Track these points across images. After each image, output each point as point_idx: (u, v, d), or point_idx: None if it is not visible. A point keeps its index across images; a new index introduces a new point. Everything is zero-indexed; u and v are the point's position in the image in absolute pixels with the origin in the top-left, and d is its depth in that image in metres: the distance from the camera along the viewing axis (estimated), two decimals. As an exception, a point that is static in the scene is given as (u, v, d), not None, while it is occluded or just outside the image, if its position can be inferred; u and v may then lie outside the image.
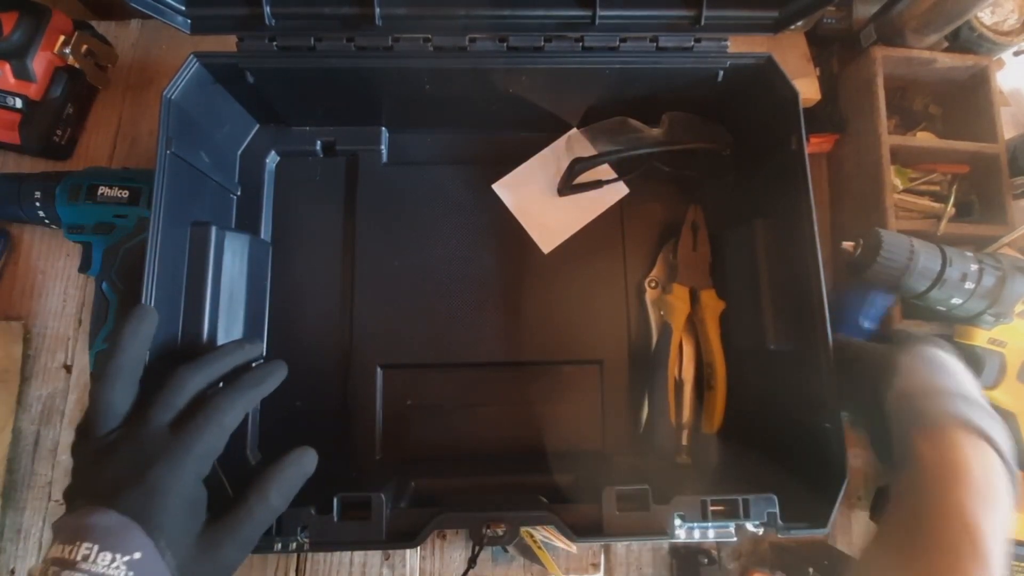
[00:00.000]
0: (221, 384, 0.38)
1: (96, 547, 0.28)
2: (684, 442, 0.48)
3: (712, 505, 0.37)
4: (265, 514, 0.34)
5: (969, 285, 0.42)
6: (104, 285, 0.48)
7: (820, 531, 0.37)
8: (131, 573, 0.28)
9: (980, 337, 0.45)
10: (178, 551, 0.30)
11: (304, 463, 0.37)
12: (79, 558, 0.27)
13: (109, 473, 0.31)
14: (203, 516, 0.33)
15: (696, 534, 0.38)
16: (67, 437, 0.51)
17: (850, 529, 0.52)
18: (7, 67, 0.50)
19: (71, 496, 0.33)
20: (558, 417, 0.49)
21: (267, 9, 0.43)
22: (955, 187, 0.54)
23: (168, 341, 0.42)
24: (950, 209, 0.52)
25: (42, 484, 0.50)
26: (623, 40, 0.44)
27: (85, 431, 0.33)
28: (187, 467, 0.32)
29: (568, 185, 0.51)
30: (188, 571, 0.30)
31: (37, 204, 0.49)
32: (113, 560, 0.28)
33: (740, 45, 0.46)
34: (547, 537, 0.46)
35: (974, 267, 0.42)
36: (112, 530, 0.29)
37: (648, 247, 0.52)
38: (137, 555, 0.28)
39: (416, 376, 0.49)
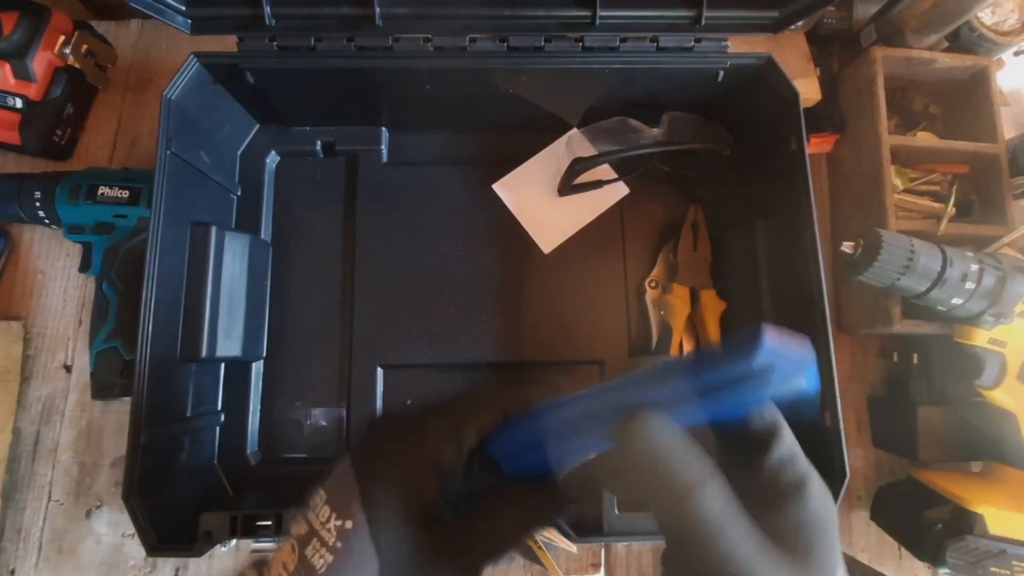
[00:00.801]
0: None
1: (325, 499, 0.26)
2: (684, 442, 0.48)
3: (712, 505, 0.37)
4: (494, 546, 0.27)
5: (969, 285, 0.42)
6: (104, 285, 0.48)
7: (820, 531, 0.37)
8: (339, 545, 0.25)
9: (980, 337, 0.45)
10: (390, 542, 0.26)
11: (552, 508, 0.28)
12: (311, 505, 0.26)
13: (372, 442, 0.28)
14: (425, 511, 0.26)
15: (696, 534, 0.37)
16: (67, 437, 0.51)
17: (850, 529, 0.52)
18: (7, 67, 0.50)
19: (359, 441, 0.30)
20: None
21: (267, 9, 0.43)
22: (955, 187, 0.54)
23: (168, 341, 0.42)
24: (950, 209, 0.52)
25: (42, 484, 0.50)
26: (623, 40, 0.44)
27: None
28: (428, 439, 0.27)
29: (568, 185, 0.51)
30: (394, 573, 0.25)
31: (37, 204, 0.49)
32: (328, 519, 0.25)
33: (740, 45, 0.46)
34: (547, 537, 0.46)
35: (974, 267, 0.42)
36: (342, 486, 0.26)
37: (648, 247, 0.52)
38: (349, 524, 0.25)
39: (416, 376, 0.49)
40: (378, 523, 0.25)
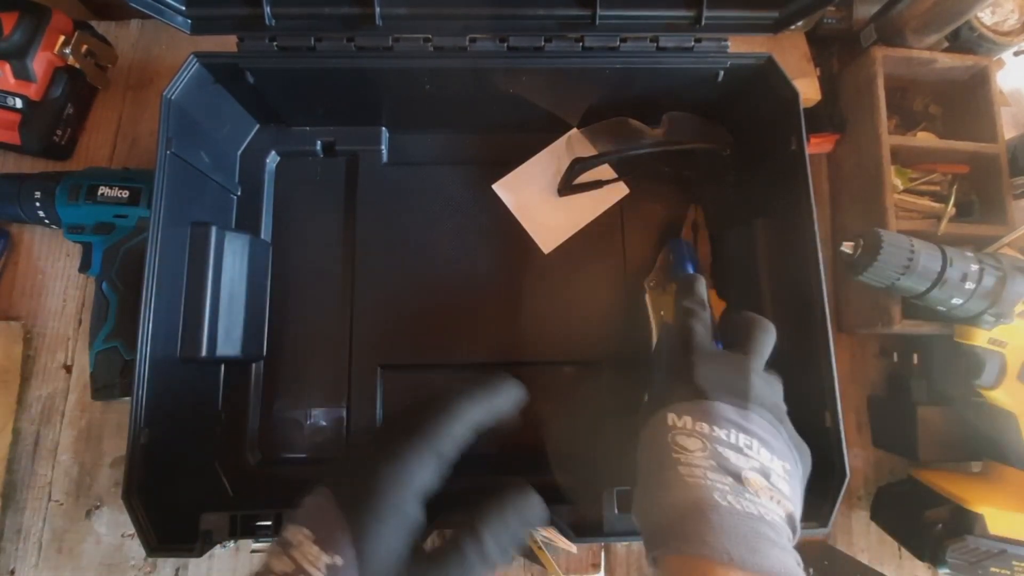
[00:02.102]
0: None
1: (311, 537, 0.26)
2: (684, 442, 0.48)
3: (712, 505, 0.37)
4: (480, 566, 0.28)
5: (969, 285, 0.42)
6: (104, 285, 0.48)
7: (820, 531, 0.37)
8: None
9: (980, 337, 0.45)
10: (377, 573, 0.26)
11: (528, 515, 0.30)
12: (295, 542, 0.26)
13: (351, 468, 0.29)
14: (412, 538, 0.28)
15: (696, 534, 0.37)
16: (67, 437, 0.51)
17: (850, 529, 0.52)
18: (7, 67, 0.50)
19: (332, 466, 0.31)
20: (558, 417, 0.49)
21: (267, 9, 0.43)
22: (955, 187, 0.54)
23: (168, 341, 0.42)
24: (950, 209, 0.52)
25: (42, 484, 0.50)
26: (623, 40, 0.44)
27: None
28: (408, 476, 0.28)
29: (568, 185, 0.51)
30: None
31: (37, 204, 0.49)
32: (318, 557, 0.25)
33: (740, 45, 0.46)
34: (547, 537, 0.46)
35: (974, 267, 0.42)
36: (326, 521, 0.27)
37: (648, 247, 0.52)
38: (339, 560, 0.25)
39: (416, 376, 0.49)
40: (369, 559, 0.26)
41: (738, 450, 0.28)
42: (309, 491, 0.30)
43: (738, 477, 0.27)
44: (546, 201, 0.52)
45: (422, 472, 0.29)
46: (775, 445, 0.29)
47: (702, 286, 0.38)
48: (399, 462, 0.29)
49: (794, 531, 0.28)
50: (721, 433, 0.28)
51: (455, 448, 0.30)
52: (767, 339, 0.34)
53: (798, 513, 0.29)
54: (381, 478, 0.28)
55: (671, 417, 0.30)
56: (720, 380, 0.31)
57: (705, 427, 0.29)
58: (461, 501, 0.30)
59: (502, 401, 0.33)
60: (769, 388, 0.32)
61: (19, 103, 0.51)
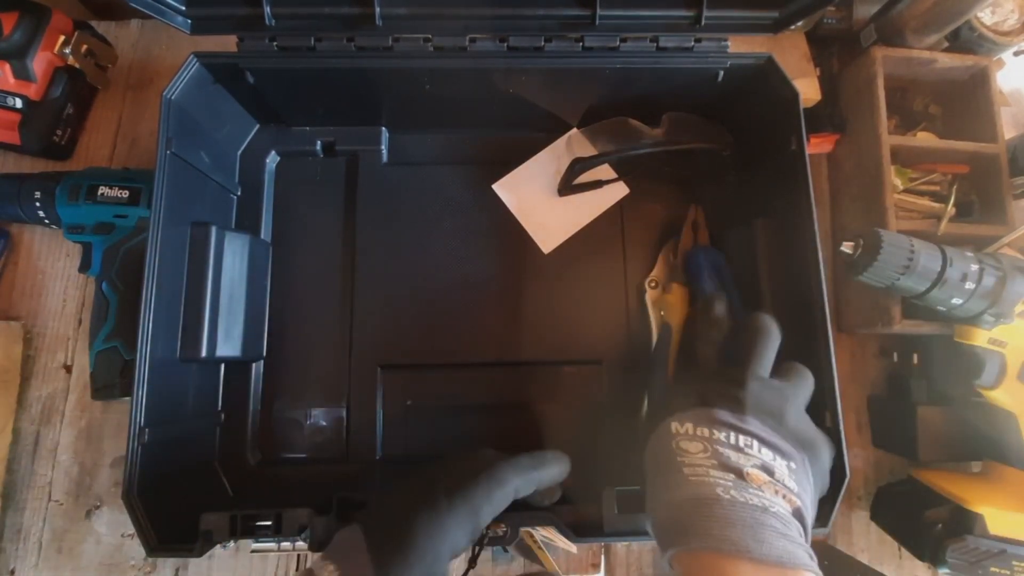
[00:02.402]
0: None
1: (336, 572, 0.28)
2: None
3: (712, 505, 0.37)
4: (501, 496, 0.33)
5: (969, 285, 0.42)
6: (104, 285, 0.48)
7: (820, 531, 0.37)
8: None
9: (980, 337, 0.44)
10: None
11: (560, 468, 0.36)
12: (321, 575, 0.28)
13: (386, 512, 0.31)
14: None
15: (696, 534, 0.37)
16: (67, 437, 0.51)
17: (850, 529, 0.52)
18: (7, 67, 0.50)
19: (368, 507, 0.32)
20: (558, 417, 0.49)
21: (267, 9, 0.43)
22: (955, 187, 0.54)
23: (168, 341, 0.42)
24: (950, 209, 0.52)
25: (42, 484, 0.50)
26: (623, 40, 0.44)
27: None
28: (443, 531, 0.30)
29: (568, 185, 0.51)
30: None
31: (37, 204, 0.49)
32: None
33: (740, 45, 0.46)
34: (547, 537, 0.46)
35: (974, 267, 0.42)
36: (355, 562, 0.28)
37: (648, 247, 0.52)
38: None
39: (416, 376, 0.49)
40: None
41: (738, 449, 0.29)
42: (345, 522, 0.31)
43: (740, 473, 0.28)
44: (546, 201, 0.52)
45: (457, 534, 0.30)
46: (777, 444, 0.30)
47: (722, 307, 0.39)
48: (438, 522, 0.30)
49: (804, 526, 0.28)
50: (720, 435, 0.30)
51: (493, 514, 0.32)
52: (767, 344, 0.34)
53: (809, 510, 0.29)
54: (418, 534, 0.29)
55: (674, 425, 0.32)
56: (719, 390, 0.32)
57: (705, 431, 0.30)
58: None
59: (547, 476, 0.36)
60: (769, 393, 0.32)
61: (19, 103, 0.51)
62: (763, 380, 0.33)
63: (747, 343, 0.35)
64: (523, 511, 0.38)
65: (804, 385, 0.34)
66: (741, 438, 0.29)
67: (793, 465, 0.29)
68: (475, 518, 0.31)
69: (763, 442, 0.29)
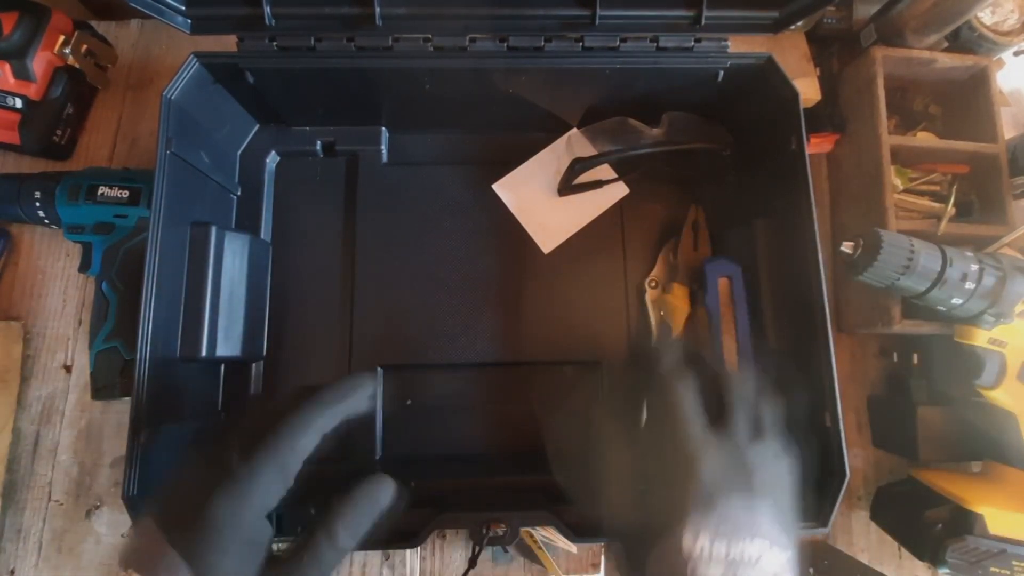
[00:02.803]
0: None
1: None
2: (684, 442, 0.48)
3: (712, 505, 0.37)
4: (332, 555, 0.29)
5: (969, 285, 0.42)
6: (104, 285, 0.48)
7: (820, 531, 0.37)
8: None
9: (980, 337, 0.44)
10: None
11: (378, 496, 0.31)
12: None
13: (180, 495, 0.29)
14: (262, 555, 0.28)
15: (696, 534, 0.37)
16: (67, 437, 0.51)
17: (850, 529, 0.52)
18: (7, 67, 0.50)
19: (157, 492, 0.30)
20: (558, 417, 0.49)
21: (267, 9, 0.43)
22: (955, 187, 0.54)
23: (168, 341, 0.42)
24: (950, 209, 0.52)
25: (42, 484, 0.50)
26: (623, 40, 0.44)
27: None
28: (250, 500, 0.28)
29: (568, 185, 0.51)
30: None
31: (37, 204, 0.49)
32: None
33: (740, 45, 0.46)
34: (547, 537, 0.46)
35: (974, 267, 0.42)
36: (157, 561, 0.26)
37: (648, 247, 0.52)
38: None
39: (416, 376, 0.49)
40: None
41: (755, 563, 0.28)
42: (134, 520, 0.28)
43: None
44: (546, 201, 0.52)
45: (267, 498, 0.28)
46: (779, 539, 0.29)
47: (677, 352, 0.36)
48: (239, 494, 0.27)
49: None
50: (736, 552, 0.28)
51: (301, 461, 0.29)
52: (742, 397, 0.33)
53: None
54: (218, 506, 0.26)
55: (687, 540, 0.28)
56: (722, 474, 0.30)
57: (722, 549, 0.28)
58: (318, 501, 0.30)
59: (354, 401, 0.32)
60: (761, 456, 0.31)
61: (19, 103, 0.51)
62: (749, 444, 0.31)
63: (723, 404, 0.33)
64: (523, 511, 0.38)
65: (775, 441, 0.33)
66: (756, 542, 0.28)
67: (789, 554, 0.29)
68: (284, 472, 0.28)
69: (773, 542, 0.28)
